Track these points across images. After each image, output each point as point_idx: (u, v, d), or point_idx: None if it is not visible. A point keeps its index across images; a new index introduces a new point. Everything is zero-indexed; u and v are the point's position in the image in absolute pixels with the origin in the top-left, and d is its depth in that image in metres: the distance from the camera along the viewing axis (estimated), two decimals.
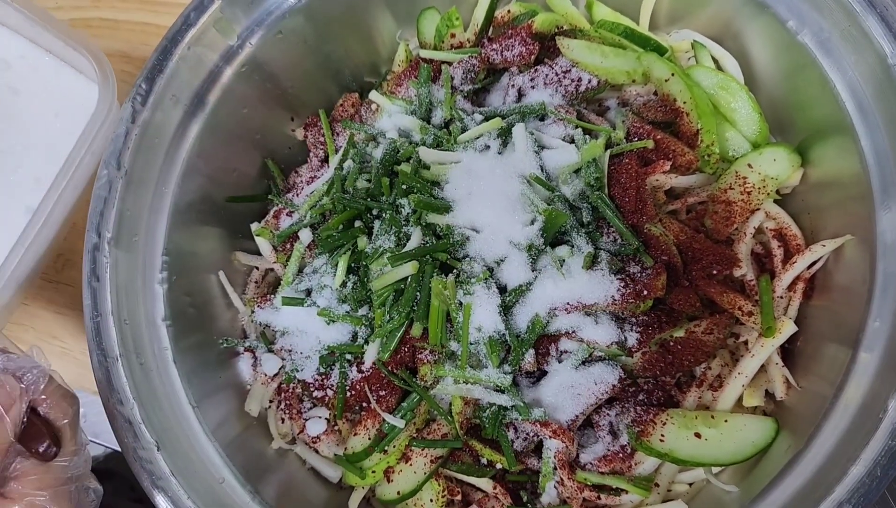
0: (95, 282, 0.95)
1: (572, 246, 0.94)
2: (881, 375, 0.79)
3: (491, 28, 1.19)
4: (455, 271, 0.93)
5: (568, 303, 0.91)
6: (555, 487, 0.96)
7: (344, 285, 1.00)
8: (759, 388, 0.96)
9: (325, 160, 1.18)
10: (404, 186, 0.98)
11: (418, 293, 0.93)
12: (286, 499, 0.99)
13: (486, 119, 1.03)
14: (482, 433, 0.94)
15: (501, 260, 0.93)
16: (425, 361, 0.95)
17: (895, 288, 0.82)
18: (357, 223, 1.02)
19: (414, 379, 0.96)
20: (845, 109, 0.92)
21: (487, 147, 1.00)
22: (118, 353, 0.92)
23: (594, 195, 0.96)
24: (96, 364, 0.91)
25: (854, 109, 0.91)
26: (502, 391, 0.92)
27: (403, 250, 0.93)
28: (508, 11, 1.16)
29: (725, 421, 0.92)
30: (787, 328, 0.94)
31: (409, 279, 0.93)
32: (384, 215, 0.99)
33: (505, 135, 1.00)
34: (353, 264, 1.01)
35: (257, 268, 1.17)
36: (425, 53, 1.16)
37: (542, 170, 0.97)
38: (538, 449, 0.98)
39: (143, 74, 1.04)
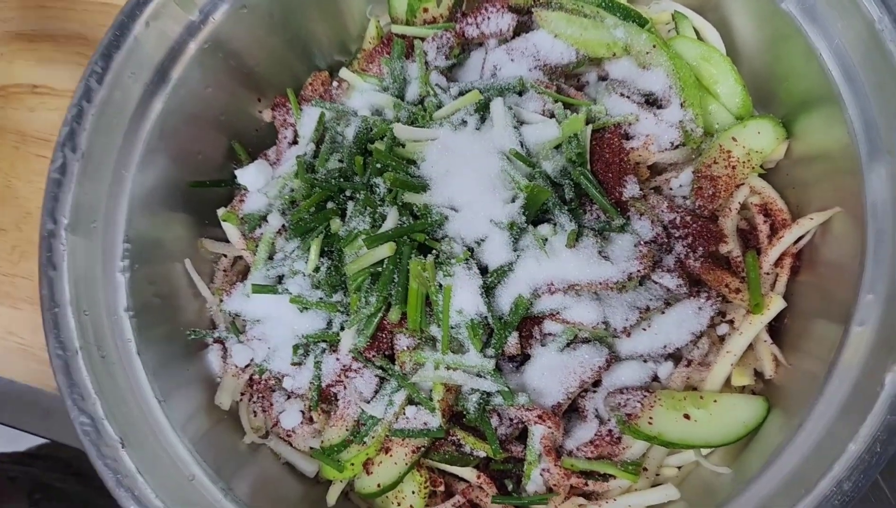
0: (52, 271, 0.89)
1: (555, 224, 0.90)
2: (876, 349, 0.77)
3: (465, 2, 1.15)
4: (434, 251, 0.89)
5: (552, 283, 0.88)
6: (541, 475, 0.92)
7: (317, 270, 0.96)
8: (748, 367, 0.94)
9: (295, 142, 1.13)
10: (379, 165, 0.94)
11: (396, 276, 0.88)
12: (260, 496, 0.94)
13: (462, 94, 0.99)
14: (465, 420, 0.90)
15: (482, 240, 0.89)
16: (404, 347, 0.91)
17: (887, 260, 0.80)
18: (329, 205, 0.98)
19: (392, 366, 0.92)
20: (831, 77, 0.90)
21: (465, 123, 0.96)
22: (77, 346, 0.87)
23: (576, 171, 0.92)
24: (54, 358, 0.86)
25: (840, 77, 0.89)
26: (485, 377, 0.88)
27: (379, 232, 0.89)
28: None
29: (714, 401, 0.90)
30: (775, 305, 0.91)
31: (386, 262, 0.89)
32: (358, 195, 0.95)
33: (483, 110, 0.97)
34: (326, 248, 0.97)
35: (225, 255, 1.12)
36: (397, 29, 1.11)
37: (521, 146, 0.94)
38: (522, 436, 0.95)
39: (98, 50, 0.98)
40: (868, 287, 0.81)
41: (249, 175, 1.07)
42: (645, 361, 0.94)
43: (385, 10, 1.18)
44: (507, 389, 0.88)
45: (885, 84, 0.83)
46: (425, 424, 0.90)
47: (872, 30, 0.84)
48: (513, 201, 0.89)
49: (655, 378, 0.95)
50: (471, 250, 0.89)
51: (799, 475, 0.75)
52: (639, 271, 0.88)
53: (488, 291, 0.88)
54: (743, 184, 0.99)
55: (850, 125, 0.87)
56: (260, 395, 1.03)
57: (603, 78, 1.06)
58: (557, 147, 0.95)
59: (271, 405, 1.02)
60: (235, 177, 1.10)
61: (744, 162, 0.97)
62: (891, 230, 0.81)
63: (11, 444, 1.42)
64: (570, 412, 0.97)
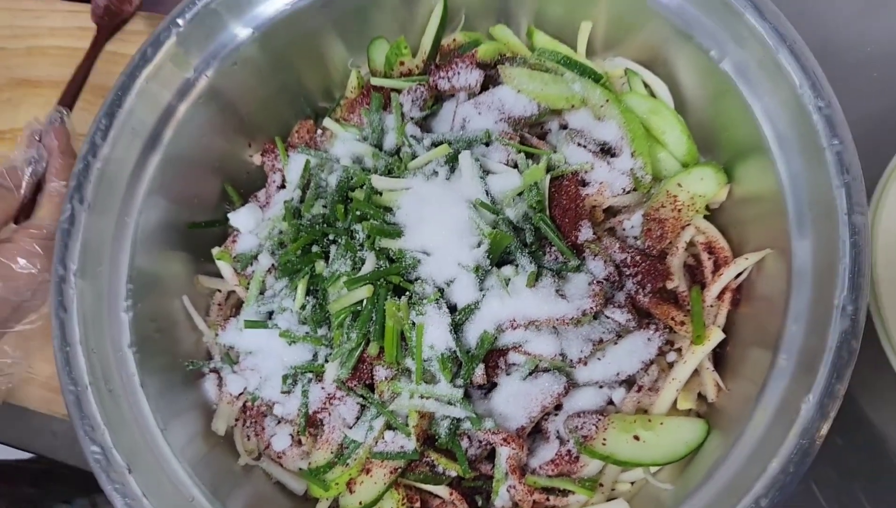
0: (63, 313, 0.99)
1: (517, 266, 1.00)
2: (796, 377, 0.87)
3: (438, 55, 1.25)
4: (408, 292, 0.99)
5: (513, 319, 0.98)
6: (507, 491, 1.02)
7: (303, 307, 1.06)
8: (693, 391, 1.04)
9: (283, 185, 1.23)
10: (358, 213, 1.04)
11: (374, 315, 0.98)
12: None
13: (435, 145, 1.09)
14: (437, 443, 1.00)
15: (451, 281, 0.99)
16: (382, 378, 1.01)
17: (807, 295, 0.90)
18: (314, 248, 1.08)
19: (372, 395, 1.02)
20: (763, 133, 1.00)
21: (436, 173, 1.06)
22: (87, 381, 0.96)
23: (536, 217, 1.02)
24: (67, 393, 0.95)
25: (771, 133, 0.99)
26: (455, 404, 0.98)
27: (358, 275, 0.99)
28: (454, 40, 1.23)
29: (661, 424, 0.99)
30: (714, 336, 1.01)
31: (365, 302, 0.99)
32: (340, 240, 1.05)
33: (452, 161, 1.06)
34: (311, 288, 1.07)
35: (220, 291, 1.22)
36: (376, 81, 1.21)
37: (487, 194, 1.04)
38: (491, 456, 1.05)
39: (103, 109, 1.08)
40: (792, 320, 0.91)
41: (241, 218, 1.17)
42: (601, 387, 1.04)
43: (366, 61, 1.28)
44: (474, 415, 0.98)
45: (806, 142, 0.94)
46: (402, 447, 1.00)
47: (795, 94, 0.94)
48: (478, 245, 0.99)
49: (611, 402, 1.05)
50: (441, 290, 0.99)
51: (728, 491, 0.85)
52: (592, 307, 0.99)
53: (457, 327, 0.98)
54: (689, 225, 1.09)
55: (778, 177, 0.98)
56: (253, 420, 1.12)
57: (564, 126, 1.17)
58: (520, 194, 1.05)
59: (263, 429, 1.12)
60: (229, 218, 1.19)
61: (688, 205, 1.07)
62: (810, 269, 0.91)
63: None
64: (534, 434, 1.07)
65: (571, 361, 1.00)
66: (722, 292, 1.06)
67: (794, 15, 1.30)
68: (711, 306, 1.07)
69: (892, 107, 1.28)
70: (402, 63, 1.23)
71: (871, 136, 1.23)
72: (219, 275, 1.22)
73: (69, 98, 1.35)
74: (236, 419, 1.12)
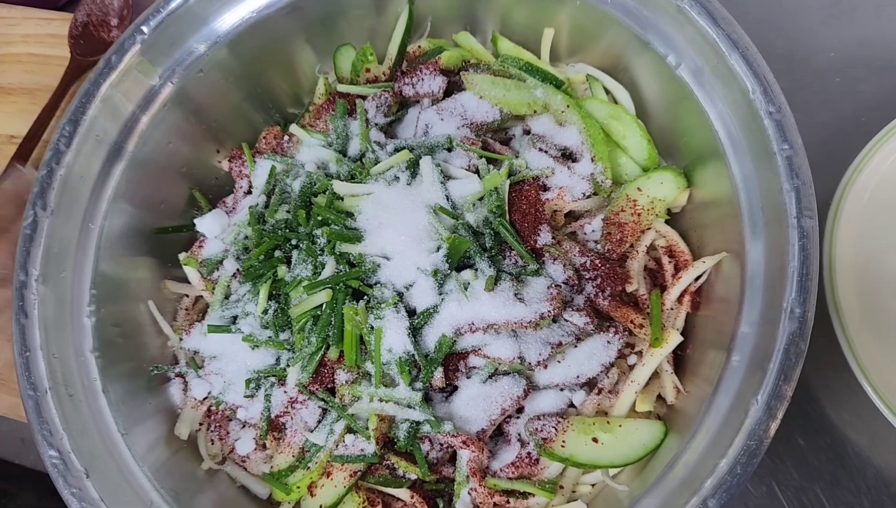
0: (24, 319, 0.99)
1: (476, 270, 1.01)
2: (746, 378, 0.88)
3: (404, 63, 1.26)
4: (366, 296, 1.00)
5: (472, 323, 0.98)
6: (468, 493, 1.02)
7: (265, 312, 1.06)
8: (652, 394, 1.05)
9: (250, 191, 1.23)
10: (320, 218, 1.04)
11: (333, 319, 0.99)
12: None
13: (398, 151, 1.10)
14: (397, 446, 1.01)
15: (410, 285, 1.00)
16: (343, 381, 1.01)
17: (759, 298, 0.91)
18: (277, 253, 1.08)
19: (333, 399, 1.02)
20: (718, 137, 1.01)
21: (397, 179, 1.06)
22: (47, 386, 0.97)
23: (496, 221, 1.03)
24: (26, 398, 0.96)
25: (725, 137, 1.00)
26: (414, 407, 0.98)
27: (318, 279, 1.00)
28: (419, 47, 1.24)
29: (620, 426, 1.00)
30: (672, 339, 1.02)
31: (324, 306, 0.99)
32: (301, 245, 1.05)
33: (413, 167, 1.07)
34: (274, 292, 1.08)
35: (187, 296, 1.22)
36: (342, 88, 1.22)
37: (447, 199, 1.04)
38: (453, 459, 1.05)
39: (66, 115, 1.09)
40: (745, 321, 0.92)
41: (207, 223, 1.18)
42: (561, 390, 1.05)
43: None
44: (433, 418, 0.98)
45: (757, 146, 0.95)
46: (362, 450, 1.01)
47: (747, 99, 0.96)
48: (437, 250, 1.00)
49: (572, 405, 1.06)
50: (400, 294, 1.00)
51: (682, 488, 0.86)
52: (549, 311, 0.99)
53: (415, 331, 0.99)
54: (649, 228, 1.10)
55: (733, 180, 0.99)
56: (217, 425, 1.13)
57: (527, 132, 1.18)
58: (480, 199, 1.06)
59: (227, 433, 1.12)
60: (195, 223, 1.20)
61: (648, 209, 1.08)
62: (762, 272, 0.92)
63: None
64: (496, 437, 1.07)
65: (530, 364, 1.01)
66: (681, 296, 1.07)
67: (758, 22, 1.33)
68: (672, 309, 1.07)
69: (855, 110, 1.30)
70: (367, 70, 1.24)
71: (834, 138, 1.26)
72: (186, 280, 1.22)
73: (26, 152, 1.37)
74: (200, 424, 1.13)
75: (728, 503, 1.09)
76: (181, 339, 1.15)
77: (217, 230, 1.18)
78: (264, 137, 1.27)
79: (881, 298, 1.15)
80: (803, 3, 1.39)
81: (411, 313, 1.00)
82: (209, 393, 1.11)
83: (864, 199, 1.17)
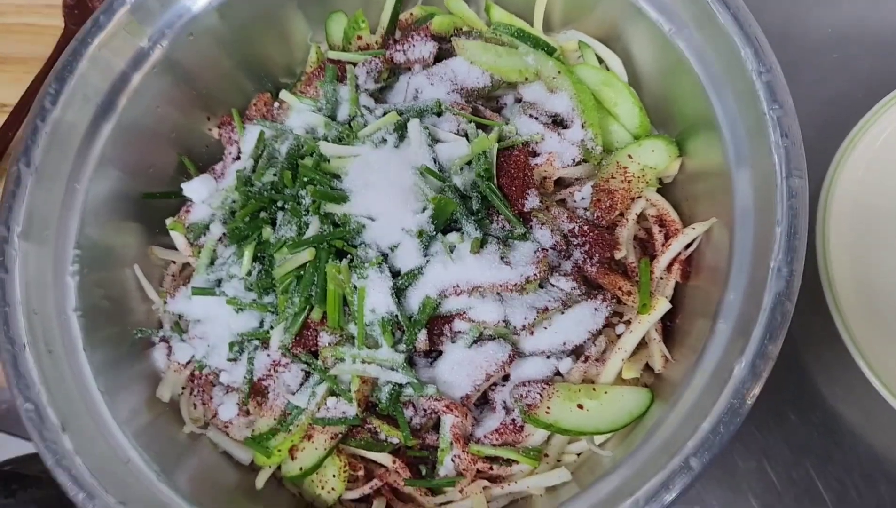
0: (4, 274, 0.98)
1: (462, 232, 1.00)
2: (731, 342, 0.86)
3: (397, 31, 1.25)
4: (350, 256, 0.98)
5: (457, 285, 0.97)
6: (452, 460, 1.01)
7: (249, 273, 1.05)
8: (640, 362, 1.03)
9: (238, 157, 1.22)
10: (306, 179, 1.03)
11: (315, 278, 0.98)
12: (199, 483, 1.02)
13: (386, 115, 1.09)
14: (379, 409, 0.99)
15: (395, 246, 0.99)
16: (326, 343, 1.00)
17: (747, 263, 0.90)
18: (262, 215, 1.07)
19: (316, 361, 1.01)
20: (710, 103, 1.00)
21: (385, 141, 1.05)
22: (25, 341, 0.96)
23: (484, 185, 1.02)
24: (3, 352, 0.95)
25: (717, 102, 0.99)
26: (396, 370, 0.97)
27: (302, 239, 0.99)
28: (411, 14, 1.23)
29: (605, 393, 0.99)
30: (660, 306, 1.01)
31: (308, 265, 0.98)
32: (286, 206, 1.04)
33: (402, 129, 1.06)
34: (259, 254, 1.06)
35: (174, 262, 1.21)
36: (333, 55, 1.21)
37: (435, 162, 1.03)
38: (437, 427, 1.04)
39: (53, 74, 1.08)
40: (732, 288, 0.91)
41: (194, 188, 1.17)
42: (548, 357, 1.04)
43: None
44: (416, 381, 0.97)
45: (748, 109, 0.94)
46: (344, 413, 0.99)
47: (739, 59, 0.94)
48: (423, 211, 0.99)
49: (558, 373, 1.04)
50: (385, 255, 0.99)
51: (664, 449, 0.84)
52: (535, 274, 0.98)
53: (399, 292, 0.98)
54: (640, 197, 1.09)
55: (723, 145, 0.97)
56: (200, 389, 1.11)
57: (519, 100, 1.17)
58: (469, 163, 1.05)
59: (211, 398, 1.11)
60: (182, 188, 1.19)
61: (639, 177, 1.07)
62: (751, 237, 0.91)
63: None
64: (482, 405, 1.06)
65: (515, 328, 0.99)
66: (671, 264, 1.05)
67: (756, 0, 1.32)
68: (661, 278, 1.06)
69: (851, 86, 1.29)
70: (359, 38, 1.23)
71: (829, 113, 1.24)
72: (174, 247, 1.21)
73: (17, 121, 1.38)
74: (183, 388, 1.12)
75: (716, 472, 1.09)
76: (165, 303, 1.14)
77: (204, 195, 1.17)
78: (254, 104, 1.26)
79: (875, 273, 1.14)
80: None
81: (396, 274, 0.99)
82: (192, 357, 1.10)
83: (859, 173, 1.16)
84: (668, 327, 1.07)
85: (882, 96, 1.17)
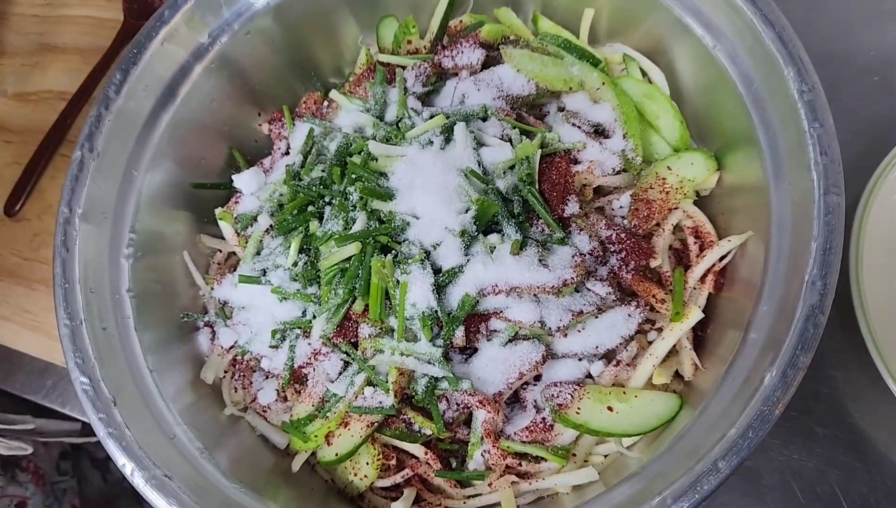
0: (65, 252, 1.03)
1: (503, 234, 1.03)
2: (762, 353, 0.88)
3: (446, 37, 1.29)
4: (394, 251, 1.02)
5: (495, 284, 1.00)
6: (482, 455, 1.04)
7: (295, 264, 1.09)
8: (670, 369, 1.05)
9: (287, 153, 1.27)
10: (353, 176, 1.07)
11: (360, 272, 1.01)
12: (237, 462, 1.06)
13: (433, 118, 1.13)
14: (414, 401, 1.03)
15: (438, 244, 1.02)
16: (366, 335, 1.04)
17: (781, 277, 0.92)
18: (310, 209, 1.11)
19: (355, 352, 1.05)
20: (751, 119, 1.02)
21: (431, 143, 1.09)
22: (83, 317, 1.00)
23: (525, 189, 1.05)
24: (62, 327, 0.99)
25: (758, 119, 1.01)
26: (433, 363, 1.00)
27: (349, 233, 1.02)
28: (461, 21, 1.27)
29: (635, 397, 1.01)
30: (693, 315, 1.03)
31: (353, 259, 1.02)
32: (334, 201, 1.08)
33: (448, 132, 1.10)
34: (305, 246, 1.10)
35: (220, 250, 1.26)
36: (383, 57, 1.25)
37: (479, 165, 1.07)
38: (469, 422, 1.07)
39: (118, 64, 1.13)
40: (765, 300, 0.93)
41: (244, 180, 1.22)
42: (580, 359, 1.06)
43: (376, 40, 1.33)
44: (452, 375, 1.00)
45: (789, 127, 0.96)
46: (380, 402, 1.03)
47: (781, 78, 0.96)
48: (466, 211, 1.02)
49: (589, 376, 1.07)
50: (427, 252, 1.02)
51: (692, 453, 0.87)
52: (572, 278, 1.01)
53: (440, 289, 1.01)
54: (677, 208, 1.11)
55: (763, 162, 1.00)
56: (241, 374, 1.15)
57: (562, 109, 1.19)
58: (511, 168, 1.08)
59: (251, 383, 1.15)
60: (232, 179, 1.24)
61: (677, 189, 1.09)
62: (787, 252, 0.93)
63: None
64: (513, 404, 1.09)
65: (550, 329, 1.02)
66: (705, 275, 1.08)
67: (799, 21, 1.33)
68: (695, 288, 1.08)
69: (892, 107, 1.29)
70: (409, 42, 1.27)
71: (870, 133, 1.26)
72: (221, 237, 1.26)
73: (75, 109, 1.44)
74: (225, 372, 1.16)
75: (741, 484, 1.11)
76: (212, 289, 1.18)
77: (253, 187, 1.21)
78: (304, 102, 1.30)
79: None
80: (846, 3, 1.39)
81: (437, 271, 1.02)
82: (235, 342, 1.15)
83: (894, 198, 1.17)
84: (700, 336, 1.09)
85: None
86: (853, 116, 1.30)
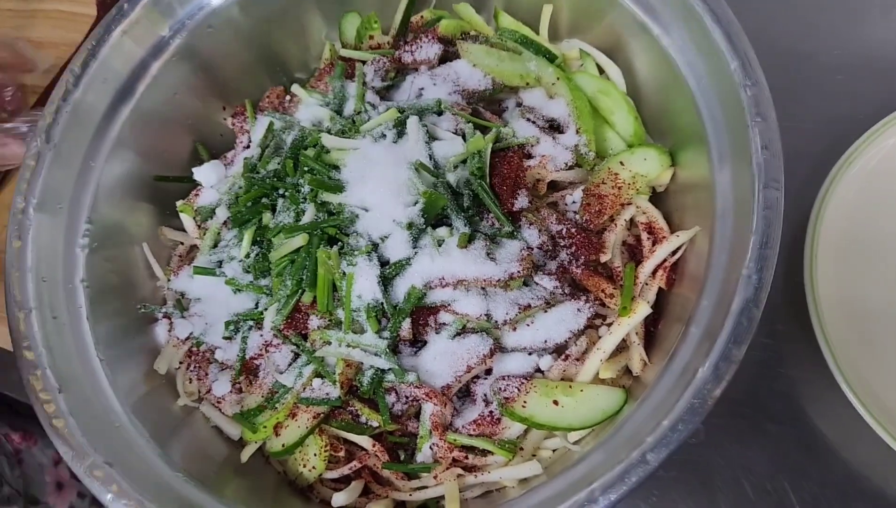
0: (17, 241, 1.04)
1: (451, 227, 1.04)
2: (699, 347, 0.88)
3: (409, 32, 1.29)
4: (340, 243, 1.03)
5: (443, 277, 1.01)
6: (430, 448, 1.04)
7: (248, 256, 1.10)
8: (618, 363, 1.05)
9: (248, 146, 1.27)
10: (306, 168, 1.08)
11: (307, 263, 1.02)
12: (189, 454, 1.07)
13: None
14: (360, 393, 1.03)
15: (386, 237, 1.02)
16: (315, 327, 1.04)
17: (721, 272, 0.92)
18: (265, 201, 1.12)
19: (304, 343, 1.05)
20: (700, 115, 1.02)
21: (384, 136, 1.09)
22: (32, 305, 1.01)
23: (476, 183, 1.06)
24: (11, 314, 1.00)
25: (707, 115, 1.01)
26: (380, 355, 1.01)
27: (297, 225, 1.03)
28: (422, 17, 1.27)
29: (581, 391, 1.01)
30: (640, 309, 1.03)
31: (301, 250, 1.03)
32: (286, 194, 1.09)
33: (401, 126, 1.10)
34: (258, 238, 1.11)
35: (182, 243, 1.27)
36: (344, 52, 1.26)
37: (430, 158, 1.07)
38: (419, 415, 1.07)
39: (78, 57, 1.14)
40: (706, 295, 0.93)
41: (204, 172, 1.22)
42: (530, 354, 1.06)
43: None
44: (397, 367, 1.00)
45: (734, 121, 0.96)
46: (327, 394, 1.03)
47: (727, 73, 0.97)
48: (415, 204, 1.03)
49: (539, 370, 1.07)
50: (375, 245, 1.03)
51: (627, 443, 0.87)
52: (519, 271, 1.01)
53: (387, 281, 1.01)
54: (630, 203, 1.11)
55: (709, 155, 1.00)
56: (197, 365, 1.16)
57: (520, 104, 1.20)
58: (463, 162, 1.08)
59: (206, 374, 1.16)
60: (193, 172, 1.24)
61: (629, 184, 1.10)
62: (727, 247, 0.93)
63: None
64: (464, 398, 1.09)
65: (497, 322, 1.02)
66: (655, 271, 1.08)
67: (765, 18, 1.35)
68: (646, 283, 1.08)
69: (854, 107, 1.29)
70: (371, 37, 1.28)
71: (832, 132, 1.26)
72: (184, 230, 1.26)
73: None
74: (181, 363, 1.16)
75: (692, 480, 1.11)
76: (169, 280, 1.19)
77: (213, 180, 1.22)
78: (268, 96, 1.31)
79: (861, 294, 1.15)
80: (812, 3, 1.39)
81: (385, 264, 1.03)
82: (191, 334, 1.15)
83: (851, 194, 1.17)
84: (651, 332, 1.09)
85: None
86: (815, 114, 1.30)
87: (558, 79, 1.13)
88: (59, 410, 0.95)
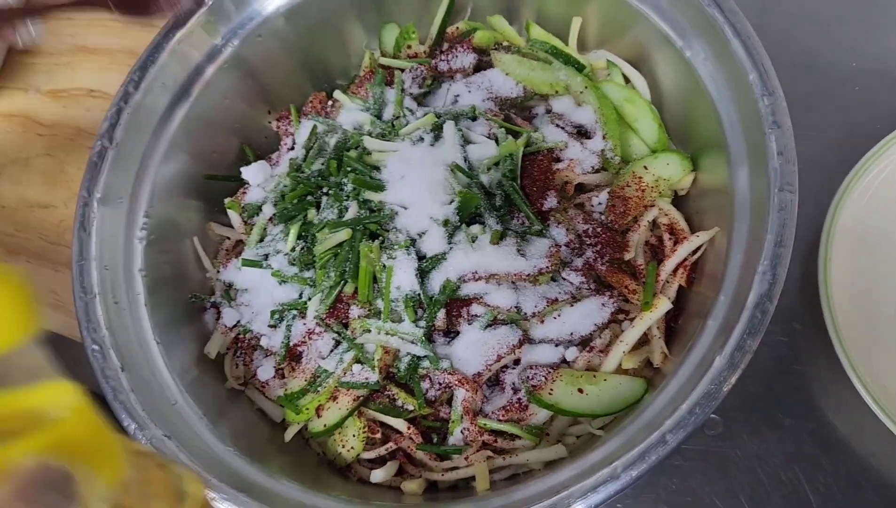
0: (83, 233, 1.13)
1: (484, 225, 1.11)
2: (716, 338, 0.94)
3: (443, 42, 1.37)
4: (381, 238, 1.10)
5: (476, 271, 1.08)
6: (461, 432, 1.11)
7: (294, 249, 1.18)
8: (640, 355, 1.11)
9: (293, 148, 1.36)
10: (349, 169, 1.16)
11: (350, 256, 1.10)
12: (236, 433, 1.14)
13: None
14: (397, 378, 1.10)
15: (423, 233, 1.10)
16: (356, 316, 1.12)
17: (738, 269, 0.98)
18: (309, 198, 1.20)
19: (346, 331, 1.13)
20: (721, 122, 1.08)
21: (422, 139, 1.17)
22: (97, 291, 1.10)
23: (507, 184, 1.13)
24: (77, 299, 1.09)
25: (727, 122, 1.08)
26: (416, 343, 1.08)
27: (341, 220, 1.11)
28: (457, 28, 1.35)
29: (605, 380, 1.08)
30: (661, 304, 1.09)
31: (344, 244, 1.10)
32: (330, 192, 1.17)
33: (438, 130, 1.18)
34: (303, 233, 1.19)
35: (229, 238, 1.35)
36: (383, 61, 1.34)
37: (465, 161, 1.14)
38: (451, 401, 1.14)
39: (137, 63, 1.23)
40: (724, 291, 0.99)
41: (251, 172, 1.31)
42: (556, 345, 1.13)
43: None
44: (432, 355, 1.08)
45: (752, 128, 1.02)
46: (366, 378, 1.11)
47: (746, 83, 1.03)
48: (450, 203, 1.10)
49: (565, 361, 1.14)
50: (413, 240, 1.10)
51: (646, 427, 0.93)
52: (547, 267, 1.08)
53: (424, 274, 1.09)
54: (653, 206, 1.18)
55: (729, 163, 1.06)
56: (243, 352, 1.24)
57: (549, 111, 1.27)
58: (496, 164, 1.15)
59: (252, 360, 1.24)
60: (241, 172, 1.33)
61: (652, 187, 1.16)
62: (744, 246, 0.99)
63: None
64: (493, 386, 1.16)
65: (526, 314, 1.09)
66: (676, 269, 1.14)
67: (783, 30, 1.40)
68: (667, 281, 1.15)
69: (870, 117, 1.35)
70: (409, 47, 1.36)
71: (848, 141, 1.32)
72: (230, 226, 1.35)
73: None
74: (228, 349, 1.24)
75: (709, 469, 1.17)
76: (218, 271, 1.27)
77: (260, 179, 1.30)
78: (311, 102, 1.39)
79: (873, 293, 1.20)
80: (830, 12, 1.45)
81: (422, 258, 1.10)
82: (238, 322, 1.23)
83: (865, 199, 1.22)
84: (672, 327, 1.15)
85: None
86: (832, 123, 1.36)
87: (586, 87, 1.20)
88: (122, 386, 1.03)
